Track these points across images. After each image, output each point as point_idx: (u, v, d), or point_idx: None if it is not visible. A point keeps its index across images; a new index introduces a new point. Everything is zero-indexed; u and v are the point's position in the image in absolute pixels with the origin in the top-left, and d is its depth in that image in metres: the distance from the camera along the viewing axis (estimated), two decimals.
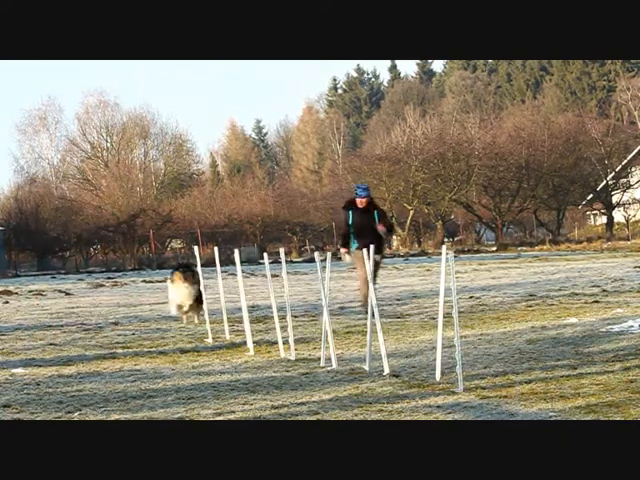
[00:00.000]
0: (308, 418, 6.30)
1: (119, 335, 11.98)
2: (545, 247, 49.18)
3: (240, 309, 10.96)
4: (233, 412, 6.59)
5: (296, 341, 9.72)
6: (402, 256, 44.80)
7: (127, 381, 8.18)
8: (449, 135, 59.18)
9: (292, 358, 9.24)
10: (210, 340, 11.13)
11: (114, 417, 6.57)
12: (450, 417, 6.14)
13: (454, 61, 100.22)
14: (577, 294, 15.53)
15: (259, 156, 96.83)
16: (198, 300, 12.72)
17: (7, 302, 19.44)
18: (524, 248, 48.55)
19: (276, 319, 9.72)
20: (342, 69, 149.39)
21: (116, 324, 13.41)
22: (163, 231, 52.45)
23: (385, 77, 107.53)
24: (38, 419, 6.57)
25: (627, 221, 58.76)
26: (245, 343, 10.26)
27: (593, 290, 16.24)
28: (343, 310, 14.38)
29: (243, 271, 10.85)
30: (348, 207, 13.85)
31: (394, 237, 60.76)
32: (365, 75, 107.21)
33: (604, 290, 16.06)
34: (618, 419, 5.82)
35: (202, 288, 12.36)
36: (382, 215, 14.05)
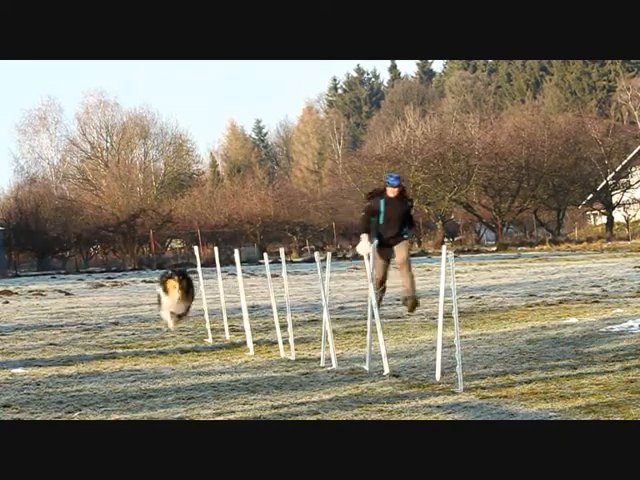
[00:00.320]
0: (308, 418, 6.30)
1: (119, 335, 11.98)
2: (545, 247, 49.17)
3: (240, 309, 10.97)
4: (233, 412, 6.59)
5: (296, 341, 9.72)
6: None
7: (127, 381, 8.18)
8: (449, 135, 59.15)
9: (292, 358, 9.24)
10: (210, 340, 11.13)
11: (114, 417, 6.57)
12: (450, 417, 6.14)
13: (454, 61, 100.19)
14: (577, 294, 15.53)
15: (259, 156, 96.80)
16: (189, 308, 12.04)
17: (7, 302, 19.44)
18: (524, 248, 48.55)
19: (276, 319, 9.72)
20: (342, 69, 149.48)
21: (116, 324, 13.42)
22: (163, 231, 52.43)
23: (385, 77, 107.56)
24: (38, 419, 6.57)
25: (627, 221, 58.75)
26: (245, 343, 10.26)
27: (593, 290, 16.24)
28: (343, 310, 14.37)
29: (243, 271, 10.85)
30: (379, 196, 13.20)
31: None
32: (365, 75, 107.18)
33: (604, 290, 16.06)
34: (618, 419, 5.82)
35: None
36: (410, 215, 13.50)
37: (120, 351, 10.35)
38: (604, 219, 61.62)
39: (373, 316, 8.21)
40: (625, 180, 60.40)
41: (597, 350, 8.96)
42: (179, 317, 11.56)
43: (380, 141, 71.56)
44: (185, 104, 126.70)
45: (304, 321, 12.86)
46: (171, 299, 11.43)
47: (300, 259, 48.02)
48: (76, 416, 6.68)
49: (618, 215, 59.64)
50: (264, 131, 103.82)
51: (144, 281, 27.48)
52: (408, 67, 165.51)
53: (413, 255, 45.28)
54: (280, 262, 10.05)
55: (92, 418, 6.58)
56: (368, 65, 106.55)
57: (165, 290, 11.49)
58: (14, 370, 9.05)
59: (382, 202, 13.08)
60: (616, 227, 59.32)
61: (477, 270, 26.92)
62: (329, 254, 9.00)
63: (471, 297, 15.83)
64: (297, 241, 58.08)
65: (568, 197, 58.77)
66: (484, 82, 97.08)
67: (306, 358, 9.31)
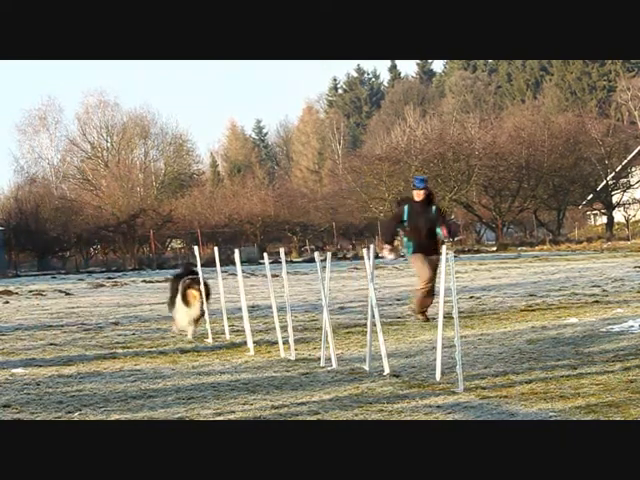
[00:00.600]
0: (308, 418, 6.30)
1: (119, 335, 11.98)
2: (545, 247, 49.17)
3: (240, 309, 10.97)
4: (233, 412, 6.59)
5: (296, 341, 9.72)
6: (402, 256, 44.73)
7: (127, 381, 8.18)
8: (449, 135, 59.14)
9: (292, 358, 9.24)
10: (210, 340, 11.13)
11: (114, 417, 6.57)
12: (450, 417, 6.14)
13: (454, 61, 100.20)
14: (577, 294, 15.53)
15: (259, 156, 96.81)
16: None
17: (7, 302, 19.44)
18: (524, 248, 48.55)
19: (276, 319, 9.72)
20: (342, 69, 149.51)
21: (116, 324, 13.41)
22: (163, 231, 52.44)
23: (385, 77, 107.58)
24: (38, 419, 6.57)
25: (627, 221, 58.76)
26: (245, 343, 10.26)
27: (593, 290, 16.23)
28: (343, 310, 14.37)
29: (243, 271, 10.85)
30: (405, 202, 12.87)
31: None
32: (365, 75, 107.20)
33: (604, 290, 16.06)
34: (618, 419, 5.82)
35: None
36: (442, 215, 12.99)
37: (120, 351, 10.34)
38: (604, 219, 61.64)
39: (373, 316, 8.21)
40: (625, 180, 60.42)
41: (597, 350, 8.95)
42: (196, 321, 11.57)
43: (380, 141, 71.56)
44: (185, 104, 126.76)
45: (304, 321, 12.86)
46: (193, 311, 11.43)
47: (300, 259, 48.02)
48: (76, 416, 6.68)
49: (618, 215, 59.66)
50: (264, 131, 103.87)
51: (144, 281, 27.49)
52: (408, 67, 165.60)
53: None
54: (280, 262, 10.05)
55: (92, 418, 6.58)
56: (368, 65, 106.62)
57: (186, 301, 11.45)
58: (14, 370, 9.05)
59: (406, 208, 12.64)
60: (616, 227, 59.33)
61: (477, 270, 26.92)
62: (329, 254, 8.99)
63: (471, 297, 15.84)
64: (297, 241, 58.09)
65: (568, 197, 58.78)
66: (484, 82, 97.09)
67: (306, 358, 9.31)
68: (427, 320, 12.22)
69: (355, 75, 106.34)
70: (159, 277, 30.03)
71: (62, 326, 13.31)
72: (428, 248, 12.44)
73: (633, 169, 60.12)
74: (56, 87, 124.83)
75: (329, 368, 8.49)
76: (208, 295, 11.54)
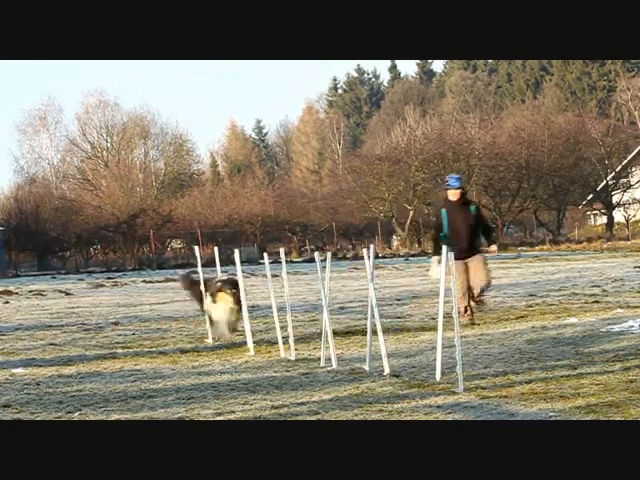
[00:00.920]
0: (308, 418, 6.30)
1: (119, 335, 11.98)
2: (545, 247, 49.16)
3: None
4: (233, 412, 6.59)
5: (296, 341, 9.72)
6: (402, 256, 44.81)
7: (127, 381, 8.18)
8: (449, 135, 59.15)
9: (292, 358, 9.24)
10: (210, 340, 11.12)
11: (114, 417, 6.57)
12: (450, 417, 6.14)
13: (454, 61, 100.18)
14: (577, 294, 15.53)
15: (259, 156, 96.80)
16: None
17: (7, 302, 19.44)
18: (524, 248, 48.53)
19: (276, 319, 9.72)
20: (342, 69, 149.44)
21: (116, 324, 13.41)
22: (163, 231, 52.43)
23: (385, 77, 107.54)
24: (38, 419, 6.57)
25: (627, 221, 58.74)
26: (245, 343, 10.26)
27: (593, 290, 16.23)
28: (343, 310, 14.37)
29: (243, 271, 10.85)
30: (442, 206, 12.37)
31: (394, 237, 60.79)
32: (365, 75, 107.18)
33: (604, 290, 16.06)
34: (618, 419, 5.82)
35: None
36: (482, 216, 12.50)
37: (120, 351, 10.34)
38: (604, 219, 61.63)
39: (373, 316, 8.21)
40: (625, 180, 60.40)
41: (597, 350, 8.96)
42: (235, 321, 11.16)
43: (380, 141, 71.54)
44: (185, 104, 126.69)
45: (304, 321, 12.86)
46: (225, 314, 11.09)
47: (300, 259, 48.02)
48: (76, 416, 6.68)
49: (618, 215, 59.65)
50: (264, 131, 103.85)
51: (144, 281, 27.48)
52: (408, 67, 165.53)
53: (413, 255, 45.44)
54: (280, 262, 10.05)
55: (92, 418, 6.58)
56: (368, 65, 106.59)
57: (214, 301, 11.21)
58: (14, 370, 9.05)
59: (444, 212, 12.16)
60: (616, 227, 59.32)
61: None
62: (329, 254, 8.99)
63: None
64: (297, 241, 58.09)
65: (568, 197, 58.76)
66: (484, 82, 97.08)
67: (306, 358, 9.31)
68: (473, 323, 11.77)
69: (355, 75, 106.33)
70: (159, 277, 30.04)
71: (62, 326, 13.31)
72: (468, 253, 12.06)
73: (633, 169, 60.11)
74: (56, 87, 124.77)
75: (329, 368, 8.49)
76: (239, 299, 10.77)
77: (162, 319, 13.88)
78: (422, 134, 61.68)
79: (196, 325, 12.76)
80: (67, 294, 21.98)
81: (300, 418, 6.31)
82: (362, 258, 9.59)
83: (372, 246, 8.52)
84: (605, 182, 59.12)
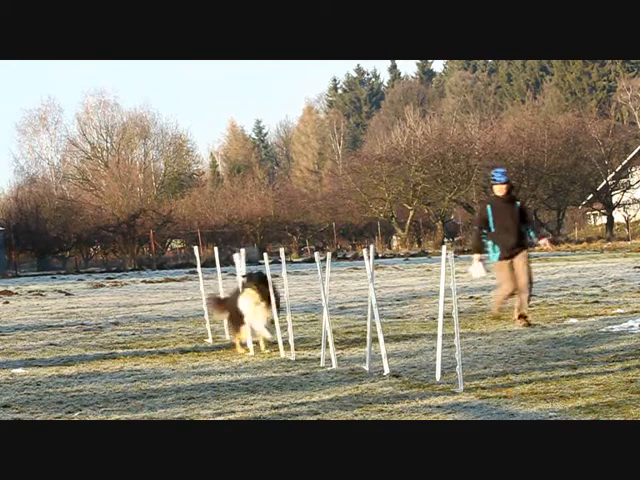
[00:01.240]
0: (308, 418, 6.30)
1: (119, 335, 11.98)
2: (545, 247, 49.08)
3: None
4: (233, 412, 6.59)
5: (296, 341, 9.72)
6: (402, 256, 44.82)
7: (127, 381, 8.18)
8: (449, 135, 59.17)
9: (292, 358, 9.24)
10: (210, 340, 11.12)
11: (114, 417, 6.57)
12: (450, 417, 6.14)
13: (454, 61, 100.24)
14: (577, 294, 15.53)
15: (259, 156, 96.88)
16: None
17: (7, 302, 19.44)
18: None
19: (276, 319, 9.72)
20: (342, 69, 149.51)
21: (116, 324, 13.41)
22: (163, 231, 52.46)
23: (385, 77, 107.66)
24: (38, 419, 6.57)
25: (627, 221, 58.77)
26: (245, 343, 10.25)
27: (593, 290, 16.23)
28: (343, 310, 14.37)
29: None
30: (487, 202, 11.92)
31: (394, 237, 60.80)
32: (365, 75, 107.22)
33: (604, 290, 16.06)
34: (618, 419, 5.82)
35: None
36: (525, 210, 11.98)
37: (120, 351, 10.34)
38: (604, 219, 61.65)
39: (373, 316, 8.21)
40: (625, 180, 60.44)
41: (597, 350, 8.96)
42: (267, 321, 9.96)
43: (380, 141, 71.59)
44: (185, 104, 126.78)
45: (304, 321, 12.86)
46: (259, 314, 9.90)
47: (300, 259, 48.02)
48: (76, 416, 6.68)
49: (618, 215, 59.67)
50: (264, 131, 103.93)
51: (144, 281, 27.49)
52: (408, 67, 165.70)
53: (413, 255, 45.44)
54: (280, 262, 10.04)
55: (92, 418, 6.58)
56: (368, 65, 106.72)
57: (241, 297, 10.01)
58: (14, 370, 9.05)
59: (489, 208, 11.65)
60: (616, 227, 59.35)
61: None
62: (329, 254, 8.99)
63: (471, 297, 15.83)
64: (297, 241, 58.11)
65: (568, 197, 58.78)
66: (484, 82, 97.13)
67: (306, 358, 9.30)
68: (529, 325, 11.20)
69: (355, 75, 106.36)
70: (159, 277, 30.05)
71: (62, 326, 13.31)
72: (515, 252, 11.57)
73: (633, 169, 60.14)
74: (56, 87, 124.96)
75: (329, 368, 8.49)
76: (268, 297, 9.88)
77: (162, 319, 13.88)
78: (422, 134, 61.69)
79: (196, 325, 12.76)
80: (67, 294, 21.98)
81: (300, 418, 6.31)
82: (362, 258, 9.58)
83: (372, 246, 8.52)
84: (605, 182, 59.14)
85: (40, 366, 9.33)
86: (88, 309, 16.51)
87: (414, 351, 9.49)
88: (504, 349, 9.30)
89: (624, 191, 59.62)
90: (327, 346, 8.69)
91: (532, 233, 11.80)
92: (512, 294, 11.59)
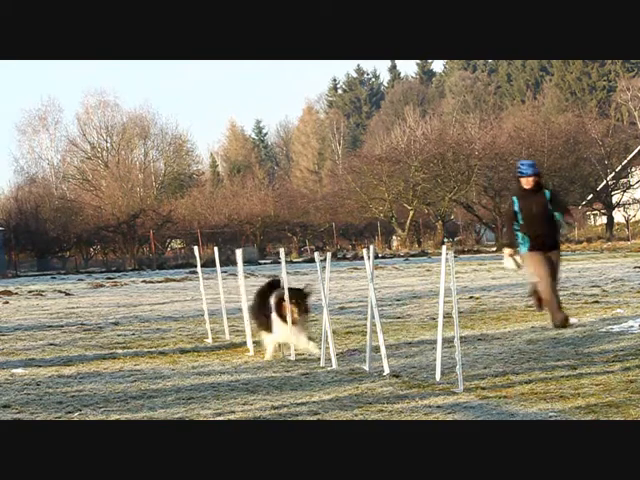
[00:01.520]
0: (308, 418, 6.30)
1: (119, 335, 11.97)
2: None
3: (240, 309, 10.96)
4: (233, 412, 6.59)
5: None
6: (402, 256, 44.82)
7: (127, 381, 8.18)
8: (449, 135, 59.19)
9: (292, 358, 9.24)
10: (210, 340, 11.12)
11: (114, 417, 6.57)
12: (450, 417, 6.14)
13: (454, 61, 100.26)
14: (577, 294, 15.52)
15: (259, 156, 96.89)
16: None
17: (7, 302, 19.44)
18: None
19: (276, 319, 9.70)
20: (342, 69, 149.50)
21: (116, 324, 13.41)
22: (163, 231, 52.49)
23: (385, 77, 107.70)
24: (38, 419, 6.57)
25: (627, 221, 58.78)
26: (245, 343, 10.25)
27: (593, 290, 16.23)
28: (343, 310, 14.37)
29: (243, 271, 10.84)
30: (514, 194, 11.42)
31: (396, 237, 60.77)
32: (365, 75, 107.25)
33: (604, 290, 16.06)
34: (618, 419, 5.82)
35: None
36: (556, 196, 11.40)
37: (120, 351, 10.34)
38: (604, 219, 61.66)
39: (373, 316, 8.21)
40: (625, 180, 60.47)
41: (597, 350, 8.95)
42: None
43: (380, 141, 71.63)
44: (185, 104, 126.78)
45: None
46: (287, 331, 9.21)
47: (300, 259, 48.03)
48: (76, 416, 6.68)
49: (618, 215, 59.68)
50: (264, 131, 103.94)
51: (144, 281, 27.49)
52: (408, 67, 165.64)
53: (413, 255, 45.46)
54: (280, 262, 10.04)
55: (92, 418, 6.58)
56: (368, 65, 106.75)
57: (281, 315, 9.23)
58: (14, 370, 9.05)
59: (515, 199, 11.23)
60: (616, 227, 59.36)
61: (477, 270, 26.90)
62: (329, 254, 8.98)
63: (471, 297, 15.83)
64: (297, 241, 58.12)
65: (568, 197, 58.70)
66: (484, 82, 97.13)
67: (306, 358, 9.30)
68: (566, 321, 10.69)
69: (355, 75, 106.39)
70: (159, 277, 30.05)
71: (62, 326, 13.30)
72: (546, 242, 10.95)
73: (633, 169, 60.16)
74: (56, 87, 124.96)
75: (329, 368, 8.49)
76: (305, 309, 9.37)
77: (162, 319, 13.88)
78: (422, 134, 61.72)
79: (196, 325, 12.76)
80: (67, 294, 21.98)
81: (300, 418, 6.30)
82: (362, 258, 9.57)
83: (372, 246, 8.51)
84: (605, 182, 59.15)
85: (40, 366, 9.33)
86: (88, 309, 16.51)
87: (414, 351, 9.49)
88: (504, 349, 9.30)
89: (624, 191, 59.65)
90: (327, 346, 8.69)
91: (559, 215, 11.14)
92: (550, 287, 10.86)
